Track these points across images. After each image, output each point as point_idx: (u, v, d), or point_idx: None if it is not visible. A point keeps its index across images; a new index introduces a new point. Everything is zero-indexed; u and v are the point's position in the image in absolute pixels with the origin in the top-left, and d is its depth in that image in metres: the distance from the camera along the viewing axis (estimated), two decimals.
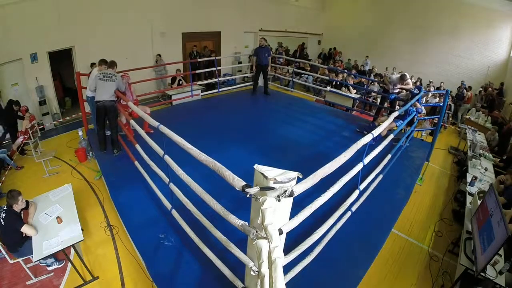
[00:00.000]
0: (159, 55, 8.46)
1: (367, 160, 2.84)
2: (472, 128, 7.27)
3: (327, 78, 9.13)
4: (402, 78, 5.45)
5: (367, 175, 3.33)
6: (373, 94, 8.27)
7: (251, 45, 11.16)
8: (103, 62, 4.42)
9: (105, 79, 4.11)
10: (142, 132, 3.11)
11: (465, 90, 9.39)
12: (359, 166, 2.78)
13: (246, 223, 1.67)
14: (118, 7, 7.33)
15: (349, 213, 2.95)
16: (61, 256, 3.09)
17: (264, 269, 1.24)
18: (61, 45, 6.71)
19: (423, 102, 7.22)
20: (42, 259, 2.74)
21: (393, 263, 3.39)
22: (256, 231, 1.51)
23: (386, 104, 6.01)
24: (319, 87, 8.61)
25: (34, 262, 2.73)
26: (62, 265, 3.14)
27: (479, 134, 6.80)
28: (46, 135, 6.37)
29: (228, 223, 1.75)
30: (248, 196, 1.50)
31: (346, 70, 10.33)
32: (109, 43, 7.22)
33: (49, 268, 3.09)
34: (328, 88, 7.63)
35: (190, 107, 6.72)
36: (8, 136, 5.54)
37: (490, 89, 9.34)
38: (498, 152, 6.63)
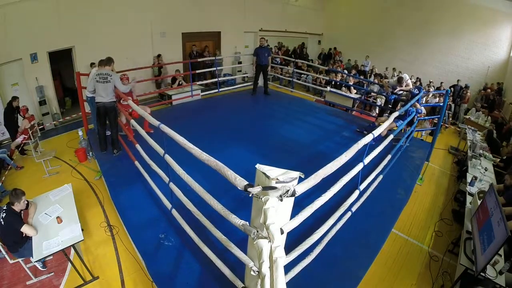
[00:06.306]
0: (160, 55, 8.46)
1: (367, 160, 2.84)
2: (472, 128, 7.28)
3: (326, 78, 9.13)
4: (399, 81, 5.47)
5: (367, 175, 3.33)
6: (373, 94, 8.28)
7: (251, 45, 11.16)
8: (102, 62, 4.36)
9: (101, 81, 4.05)
10: (142, 131, 3.11)
11: (464, 89, 9.41)
12: (359, 166, 2.78)
13: (247, 222, 1.67)
14: (118, 7, 7.33)
15: (349, 213, 2.95)
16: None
17: (265, 269, 1.24)
18: (61, 45, 6.71)
19: (423, 102, 7.23)
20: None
21: (393, 263, 3.39)
22: (257, 231, 1.51)
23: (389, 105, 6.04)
24: (319, 87, 8.61)
25: (33, 262, 2.73)
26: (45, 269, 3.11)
27: (479, 134, 6.81)
28: (46, 135, 6.37)
29: (228, 223, 1.75)
30: (250, 195, 1.50)
31: (345, 71, 10.36)
32: (109, 43, 7.21)
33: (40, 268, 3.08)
34: (328, 88, 7.63)
35: (190, 107, 6.71)
36: (8, 136, 5.53)
37: (489, 89, 9.36)
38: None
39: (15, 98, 5.31)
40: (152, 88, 8.43)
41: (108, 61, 4.21)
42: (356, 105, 7.82)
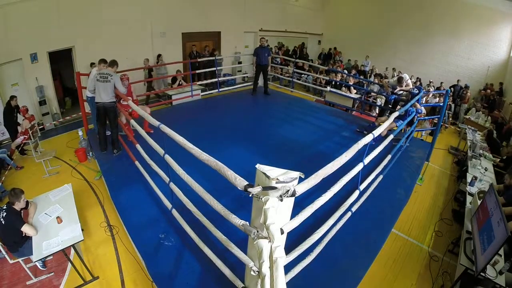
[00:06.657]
0: (160, 55, 8.45)
1: (367, 160, 2.84)
2: (472, 128, 7.28)
3: (326, 78, 9.13)
4: (399, 81, 5.47)
5: (367, 175, 3.33)
6: (373, 94, 8.28)
7: (251, 45, 11.16)
8: (102, 61, 4.33)
9: (102, 80, 4.06)
10: (142, 131, 3.10)
11: (464, 89, 9.42)
12: (359, 166, 2.78)
13: (247, 222, 1.66)
14: (118, 7, 7.33)
15: (349, 213, 2.94)
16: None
17: (265, 269, 1.24)
18: (61, 45, 6.70)
19: (423, 102, 7.23)
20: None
21: (393, 263, 3.39)
22: (257, 231, 1.51)
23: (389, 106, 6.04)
24: (319, 87, 8.61)
25: (34, 262, 2.73)
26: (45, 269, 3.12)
27: (479, 134, 6.81)
28: (46, 135, 6.37)
29: (228, 223, 1.75)
30: (250, 195, 1.50)
31: (345, 71, 10.35)
32: (109, 43, 7.21)
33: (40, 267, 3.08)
34: (328, 88, 7.63)
35: (190, 107, 6.71)
36: (8, 135, 5.54)
37: (489, 90, 9.36)
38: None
39: (13, 97, 5.31)
40: (144, 89, 8.36)
41: (111, 63, 4.24)
42: (356, 105, 7.82)
